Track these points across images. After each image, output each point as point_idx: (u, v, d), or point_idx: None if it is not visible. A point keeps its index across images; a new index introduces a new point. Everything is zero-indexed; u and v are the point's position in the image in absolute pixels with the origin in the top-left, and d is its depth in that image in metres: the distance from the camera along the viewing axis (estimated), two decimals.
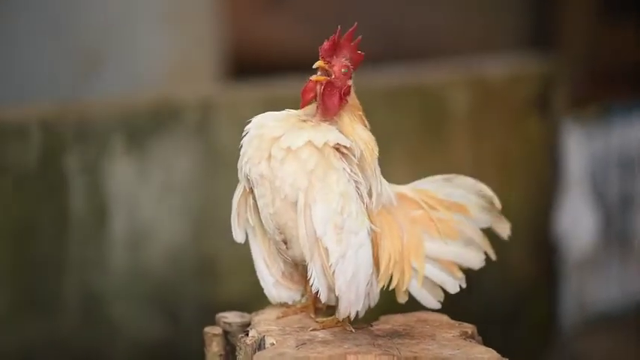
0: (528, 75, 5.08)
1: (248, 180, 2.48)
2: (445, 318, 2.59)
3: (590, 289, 5.51)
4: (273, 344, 2.42)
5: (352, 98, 2.45)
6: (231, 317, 2.64)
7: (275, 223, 2.45)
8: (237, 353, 2.53)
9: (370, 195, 2.46)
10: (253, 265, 4.16)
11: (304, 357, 2.34)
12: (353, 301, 2.44)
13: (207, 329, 2.62)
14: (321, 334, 2.47)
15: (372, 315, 2.55)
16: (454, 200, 2.57)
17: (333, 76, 2.40)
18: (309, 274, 2.44)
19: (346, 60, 2.41)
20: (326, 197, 2.38)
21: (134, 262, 4.26)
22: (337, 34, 2.42)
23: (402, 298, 2.55)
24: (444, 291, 2.58)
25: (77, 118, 4.19)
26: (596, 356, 5.33)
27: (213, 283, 4.40)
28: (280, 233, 2.47)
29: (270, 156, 2.40)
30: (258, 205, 2.48)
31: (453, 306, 2.73)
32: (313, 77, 2.41)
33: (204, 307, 4.35)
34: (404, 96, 4.71)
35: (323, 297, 2.45)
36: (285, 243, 2.48)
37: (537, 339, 5.14)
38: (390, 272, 2.50)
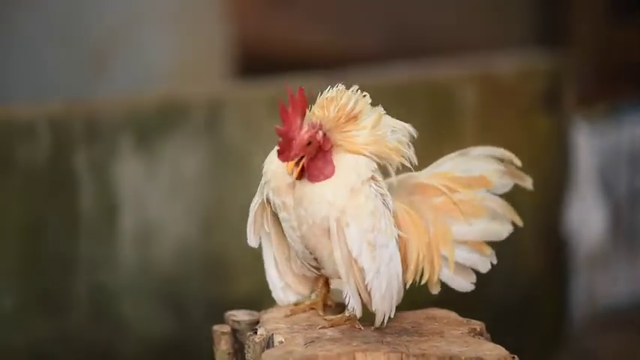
0: (537, 72, 5.08)
1: (269, 200, 2.48)
2: (453, 315, 2.59)
3: (599, 285, 5.50)
4: (282, 342, 2.42)
5: (330, 126, 2.41)
6: (240, 315, 2.63)
7: (304, 245, 2.47)
8: (245, 351, 2.54)
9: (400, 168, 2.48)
10: (261, 262, 4.17)
11: (313, 355, 2.33)
12: (387, 311, 2.47)
13: (216, 327, 2.62)
14: (329, 332, 2.47)
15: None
16: (473, 175, 2.57)
17: (305, 157, 2.39)
18: (343, 294, 2.46)
19: (303, 129, 2.38)
20: (357, 219, 2.40)
21: (143, 260, 4.27)
22: (279, 133, 2.40)
23: (435, 289, 2.57)
24: (475, 271, 2.60)
25: (86, 116, 4.20)
26: (605, 351, 5.33)
27: (222, 280, 4.40)
28: (310, 253, 2.49)
29: (292, 192, 2.42)
30: (283, 227, 2.49)
31: (461, 302, 2.73)
32: (294, 176, 2.40)
33: (213, 304, 4.35)
34: (412, 92, 4.71)
35: (358, 313, 2.47)
36: (316, 260, 2.50)
37: (547, 334, 5.13)
38: (420, 268, 2.51)
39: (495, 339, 2.52)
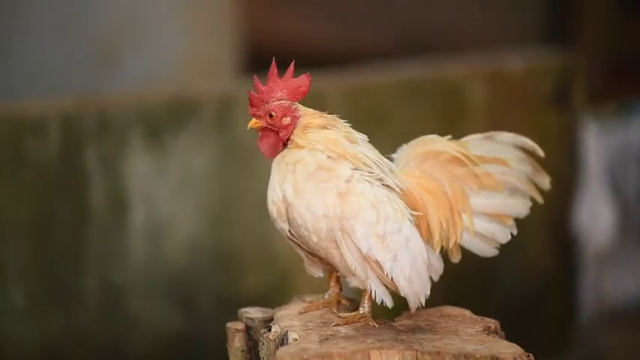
0: (547, 69, 5.07)
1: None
2: (468, 313, 2.59)
3: (607, 282, 5.50)
4: (296, 339, 2.42)
5: (300, 123, 2.48)
6: (254, 312, 2.64)
7: (316, 252, 2.50)
8: (259, 348, 2.53)
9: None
10: (270, 258, 4.18)
11: (327, 352, 2.33)
12: (419, 291, 2.48)
13: (230, 324, 2.62)
14: (343, 330, 2.47)
15: (393, 311, 2.55)
16: (493, 155, 2.59)
17: (265, 123, 2.49)
18: (368, 290, 2.48)
19: (277, 101, 2.48)
20: (359, 216, 2.43)
21: (153, 256, 4.27)
22: (256, 84, 2.50)
23: (456, 257, 2.58)
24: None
25: (96, 112, 4.20)
26: (614, 348, 5.32)
27: (231, 276, 4.41)
28: (322, 259, 2.52)
29: (288, 219, 2.46)
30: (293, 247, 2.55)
31: (470, 300, 2.73)
32: (249, 125, 2.51)
33: (222, 300, 4.36)
34: (423, 89, 4.71)
35: (389, 304, 2.49)
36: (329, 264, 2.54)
37: (555, 331, 5.13)
38: (445, 234, 2.53)
39: (506, 335, 2.51)
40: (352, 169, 2.45)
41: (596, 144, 5.37)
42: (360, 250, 2.43)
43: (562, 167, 5.05)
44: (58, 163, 4.13)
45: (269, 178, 2.51)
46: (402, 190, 2.49)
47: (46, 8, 4.81)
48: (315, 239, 2.44)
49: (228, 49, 5.10)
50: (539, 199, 2.62)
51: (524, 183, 2.60)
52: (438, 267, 2.54)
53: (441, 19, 6.18)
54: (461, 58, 5.09)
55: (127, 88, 4.78)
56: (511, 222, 2.60)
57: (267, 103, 2.49)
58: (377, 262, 2.44)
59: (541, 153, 2.61)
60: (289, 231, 2.47)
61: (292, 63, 2.50)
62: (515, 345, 2.40)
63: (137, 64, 4.92)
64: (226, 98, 4.40)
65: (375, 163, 2.47)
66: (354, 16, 6.14)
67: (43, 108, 4.18)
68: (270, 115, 2.48)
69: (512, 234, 2.60)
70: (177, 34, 4.99)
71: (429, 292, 2.49)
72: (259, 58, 5.56)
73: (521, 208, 2.60)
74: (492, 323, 2.52)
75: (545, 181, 2.63)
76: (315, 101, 2.56)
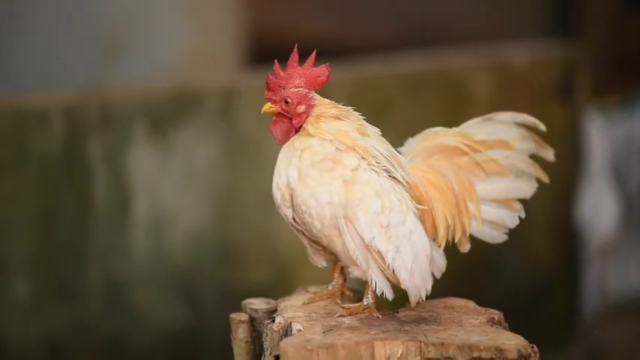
0: (550, 62, 5.07)
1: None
2: (472, 304, 2.59)
3: (611, 275, 5.50)
4: (300, 330, 2.42)
5: (314, 112, 2.49)
6: (257, 304, 2.64)
7: (318, 240, 2.50)
8: (263, 339, 2.53)
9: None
10: (273, 251, 4.17)
11: (331, 343, 2.33)
12: (420, 285, 2.48)
13: (234, 316, 2.62)
14: (347, 321, 2.47)
15: (396, 303, 2.55)
16: (496, 138, 2.59)
17: (279, 109, 2.49)
18: (369, 280, 2.47)
19: (295, 88, 2.48)
20: (363, 204, 2.43)
21: (156, 249, 4.27)
22: (275, 69, 2.49)
23: (465, 247, 2.58)
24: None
25: (100, 105, 4.20)
26: (617, 342, 5.32)
27: (235, 269, 4.41)
28: (325, 248, 2.52)
29: (292, 205, 2.47)
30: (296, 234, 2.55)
31: (473, 293, 2.73)
32: (263, 108, 2.51)
33: (226, 293, 4.36)
34: (426, 82, 4.70)
35: (389, 296, 2.48)
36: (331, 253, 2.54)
37: (559, 325, 5.13)
38: (451, 229, 2.53)
39: (508, 328, 2.51)
40: (359, 159, 2.45)
41: (600, 137, 5.36)
42: (362, 239, 2.42)
43: (565, 160, 5.04)
44: (62, 156, 4.13)
45: (274, 168, 2.51)
46: (408, 183, 2.48)
47: (49, 1, 4.81)
48: (318, 226, 2.44)
49: (231, 42, 5.10)
50: (545, 179, 2.62)
51: (529, 165, 2.60)
52: (441, 264, 2.53)
53: (445, 12, 6.17)
54: (464, 51, 5.09)
55: (130, 82, 4.78)
56: (519, 206, 2.60)
57: (284, 89, 2.49)
58: (379, 252, 2.43)
59: (542, 127, 2.61)
60: (293, 218, 2.47)
61: (314, 52, 2.50)
62: (519, 336, 2.40)
63: (140, 57, 4.92)
64: (229, 91, 4.40)
65: (385, 157, 2.46)
66: (357, 9, 6.13)
67: (47, 101, 4.18)
68: (286, 102, 2.48)
69: (520, 218, 2.60)
70: (180, 27, 4.99)
71: (430, 287, 2.49)
72: (262, 51, 5.57)
73: (527, 189, 2.61)
74: (496, 314, 2.52)
75: (550, 154, 2.64)
76: (318, 93, 2.56)
